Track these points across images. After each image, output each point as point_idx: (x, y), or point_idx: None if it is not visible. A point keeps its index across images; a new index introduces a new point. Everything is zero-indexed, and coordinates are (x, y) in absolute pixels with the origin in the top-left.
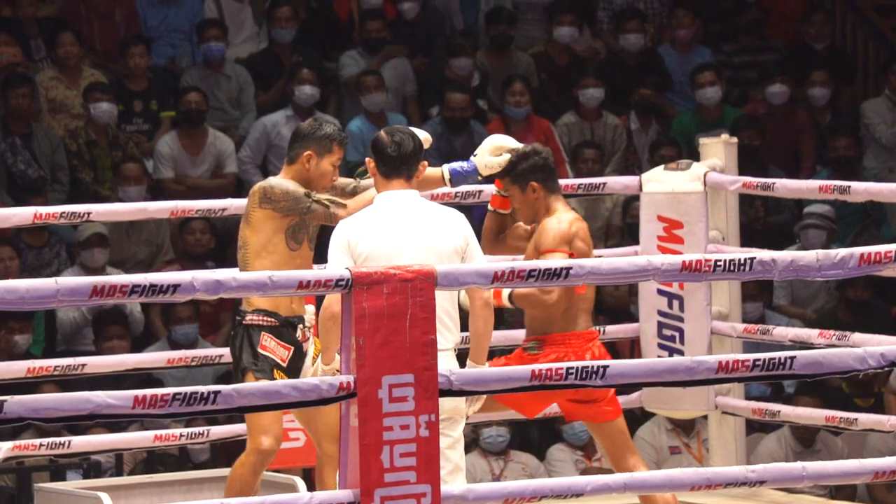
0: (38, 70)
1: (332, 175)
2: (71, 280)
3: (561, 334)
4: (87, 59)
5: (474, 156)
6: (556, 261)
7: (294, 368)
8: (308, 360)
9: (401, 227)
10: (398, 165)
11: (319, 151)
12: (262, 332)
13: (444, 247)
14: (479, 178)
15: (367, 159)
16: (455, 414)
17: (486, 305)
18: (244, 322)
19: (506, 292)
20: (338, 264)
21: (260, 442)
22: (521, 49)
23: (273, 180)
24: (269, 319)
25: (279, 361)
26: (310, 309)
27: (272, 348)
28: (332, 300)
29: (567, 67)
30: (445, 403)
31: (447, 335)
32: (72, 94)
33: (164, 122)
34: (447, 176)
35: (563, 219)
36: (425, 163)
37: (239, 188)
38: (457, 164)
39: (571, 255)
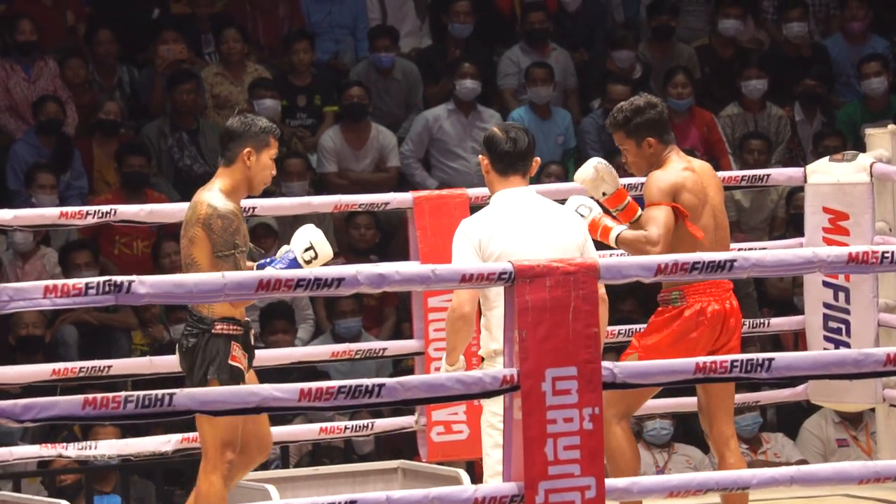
0: (203, 66)
1: (271, 169)
2: (237, 274)
3: (703, 283)
4: (251, 55)
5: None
6: (721, 253)
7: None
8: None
9: (528, 226)
10: (514, 162)
11: (257, 147)
12: (232, 342)
13: (567, 244)
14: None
15: (480, 157)
16: None
17: (602, 301)
18: (213, 331)
19: (614, 233)
20: (468, 262)
21: (225, 455)
22: (683, 41)
23: (224, 209)
24: (236, 328)
25: (243, 370)
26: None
27: (239, 358)
28: (464, 300)
29: (730, 59)
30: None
31: None
32: (236, 89)
33: (327, 117)
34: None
35: (670, 169)
36: (538, 159)
37: (402, 182)
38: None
39: (675, 208)
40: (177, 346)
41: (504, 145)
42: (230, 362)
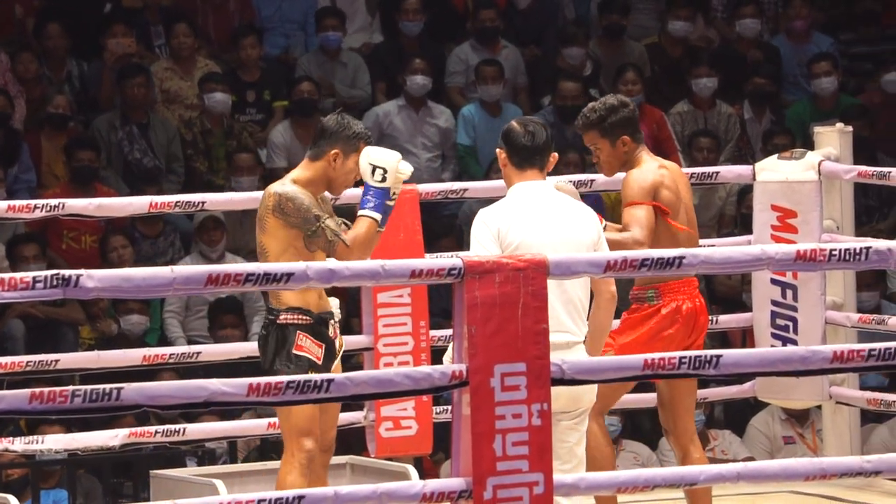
0: (153, 60)
1: (356, 174)
2: (186, 269)
3: (677, 281)
4: (201, 50)
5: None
6: (670, 250)
7: (326, 367)
8: (338, 359)
9: (544, 219)
10: (532, 155)
11: (346, 150)
12: (298, 332)
13: (582, 239)
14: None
15: (498, 150)
16: (586, 405)
17: (612, 299)
18: (277, 321)
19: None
20: (486, 251)
21: (302, 444)
22: (633, 38)
23: (290, 190)
24: (304, 318)
25: (315, 360)
26: (335, 303)
27: (308, 347)
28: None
29: (680, 57)
30: (585, 395)
31: (581, 326)
32: (186, 84)
33: (277, 112)
34: (377, 216)
35: (646, 169)
36: (555, 155)
37: None
38: (370, 198)
39: (656, 207)
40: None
41: (522, 139)
42: (295, 352)
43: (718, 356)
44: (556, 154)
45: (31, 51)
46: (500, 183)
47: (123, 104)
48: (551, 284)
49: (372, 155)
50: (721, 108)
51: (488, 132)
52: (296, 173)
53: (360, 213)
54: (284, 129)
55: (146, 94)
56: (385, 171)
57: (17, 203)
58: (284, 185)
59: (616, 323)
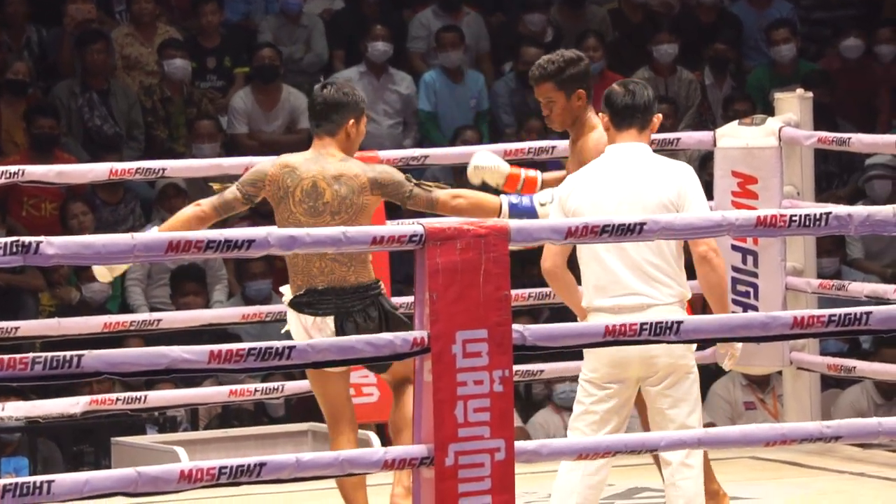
0: (113, 27)
1: (363, 134)
2: (146, 236)
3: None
4: (161, 17)
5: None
6: (631, 216)
7: None
8: None
9: (610, 181)
10: (631, 115)
11: (358, 117)
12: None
13: (648, 200)
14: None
15: (600, 114)
16: (664, 369)
17: (701, 260)
18: (382, 293)
19: (538, 181)
20: (554, 219)
21: (339, 427)
22: (595, 4)
23: (376, 168)
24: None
25: None
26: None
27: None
28: (544, 257)
29: (641, 23)
30: (659, 359)
31: (660, 288)
32: (146, 51)
33: (237, 79)
34: (505, 209)
35: (602, 135)
36: (659, 116)
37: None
38: (515, 198)
39: None
40: (344, 331)
41: (622, 98)
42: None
43: (679, 322)
44: (660, 115)
45: None
46: (462, 150)
47: (83, 71)
48: (611, 248)
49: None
50: (682, 75)
51: (450, 98)
52: (338, 154)
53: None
54: (245, 96)
55: (106, 60)
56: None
57: None
58: (363, 166)
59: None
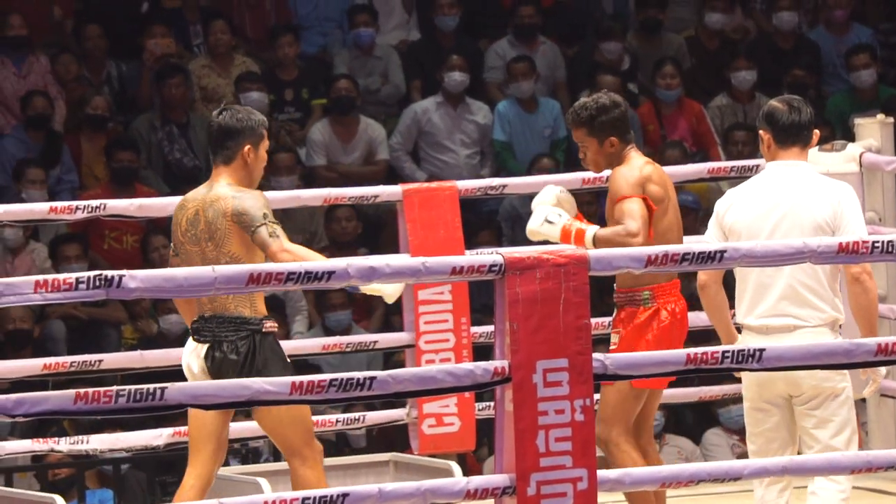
0: (191, 59)
1: (264, 161)
2: (228, 268)
3: (668, 283)
4: (238, 48)
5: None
6: (711, 244)
7: None
8: None
9: (768, 200)
10: (796, 133)
11: (255, 142)
12: (277, 341)
13: (804, 220)
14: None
15: (760, 132)
16: (808, 390)
17: (853, 280)
18: (263, 330)
19: (589, 234)
20: (712, 236)
21: (315, 444)
22: (671, 31)
23: (243, 204)
24: (275, 324)
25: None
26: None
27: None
28: (700, 272)
29: (718, 50)
30: (804, 381)
31: (811, 311)
32: (223, 82)
33: (315, 111)
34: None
35: (633, 165)
36: (817, 132)
37: (391, 175)
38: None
39: (645, 199)
40: (211, 359)
41: (787, 116)
42: (287, 359)
43: (761, 350)
44: (818, 131)
45: (70, 52)
46: (539, 179)
47: (162, 104)
48: (764, 270)
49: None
50: (760, 101)
51: (523, 127)
52: (226, 181)
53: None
54: (323, 127)
55: (185, 93)
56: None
57: (59, 204)
58: (237, 190)
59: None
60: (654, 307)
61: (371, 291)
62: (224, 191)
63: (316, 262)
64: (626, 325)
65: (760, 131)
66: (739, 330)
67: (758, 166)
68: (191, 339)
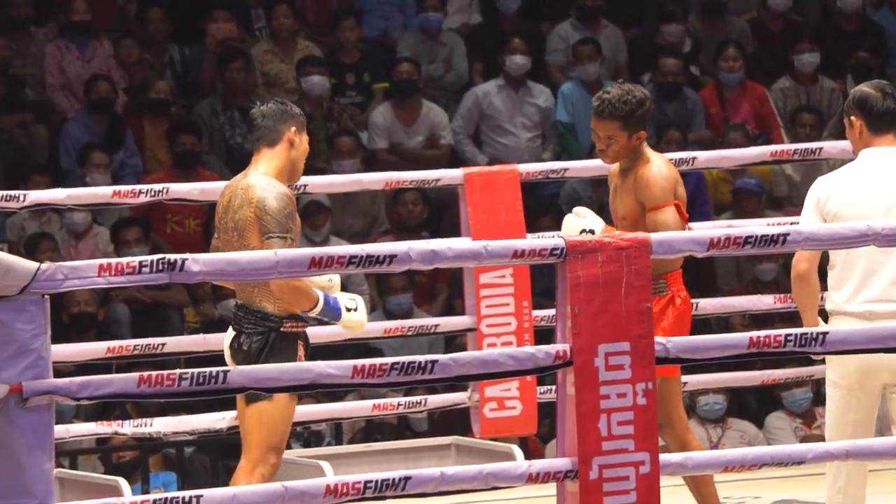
0: (253, 44)
1: (307, 151)
2: (290, 252)
3: (678, 271)
4: (301, 33)
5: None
6: (774, 228)
7: None
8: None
9: (873, 186)
10: (891, 120)
11: (299, 127)
12: (299, 342)
13: None
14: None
15: (852, 118)
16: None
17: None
18: (282, 330)
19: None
20: (808, 222)
21: (268, 458)
22: (733, 14)
23: (269, 202)
24: (302, 324)
25: None
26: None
27: (303, 358)
28: (799, 258)
29: (780, 32)
30: None
31: None
32: (285, 67)
33: (377, 94)
34: (321, 303)
35: (661, 167)
36: None
37: (453, 159)
38: (330, 297)
39: (677, 206)
40: (229, 345)
41: (882, 103)
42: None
43: (825, 333)
44: None
45: (133, 36)
46: (600, 162)
47: (224, 88)
48: (873, 252)
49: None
50: (823, 84)
51: (587, 110)
52: (264, 167)
53: None
54: (385, 111)
55: (246, 77)
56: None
57: (123, 188)
58: (262, 191)
59: None
60: (669, 295)
61: (346, 325)
62: (255, 180)
63: (301, 286)
64: None
65: (852, 117)
66: (825, 318)
67: (821, 149)
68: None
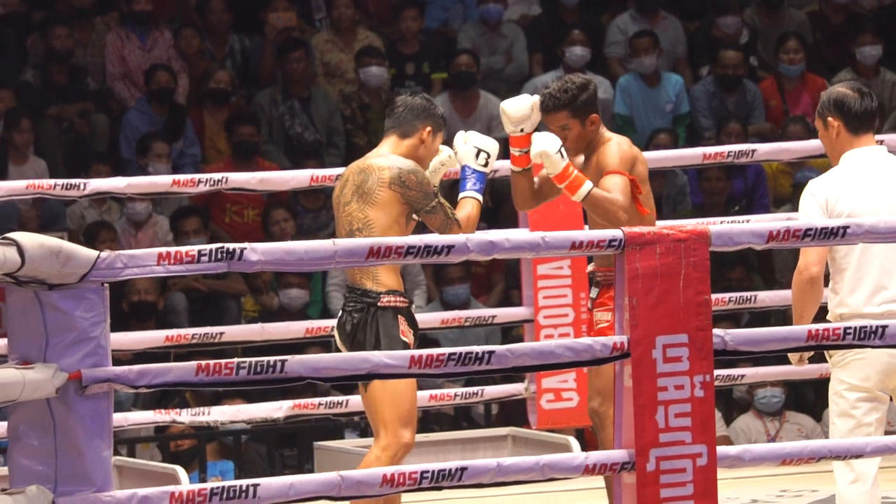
0: (313, 34)
1: (436, 153)
2: (349, 242)
3: None
4: (361, 23)
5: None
6: (834, 220)
7: None
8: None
9: (878, 185)
10: (871, 119)
11: (435, 129)
12: (399, 316)
13: None
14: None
15: (829, 119)
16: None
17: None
18: (379, 304)
19: (585, 188)
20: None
21: (401, 435)
22: (793, 6)
23: (408, 165)
24: (402, 300)
25: (411, 346)
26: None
27: (406, 332)
28: (811, 261)
29: (842, 24)
30: None
31: None
32: (346, 57)
33: (435, 85)
34: (479, 197)
35: (622, 142)
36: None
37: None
38: (474, 177)
39: (633, 180)
40: (337, 328)
41: (859, 103)
42: (401, 337)
43: (884, 326)
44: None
45: (193, 26)
46: (658, 154)
47: (284, 78)
48: (888, 256)
49: (476, 139)
50: (885, 76)
51: (645, 102)
52: (389, 149)
53: (464, 194)
54: (443, 102)
55: (306, 67)
56: (488, 156)
57: (182, 177)
58: (399, 160)
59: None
60: None
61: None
62: (382, 161)
63: (472, 213)
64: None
65: (829, 119)
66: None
67: (882, 142)
68: None
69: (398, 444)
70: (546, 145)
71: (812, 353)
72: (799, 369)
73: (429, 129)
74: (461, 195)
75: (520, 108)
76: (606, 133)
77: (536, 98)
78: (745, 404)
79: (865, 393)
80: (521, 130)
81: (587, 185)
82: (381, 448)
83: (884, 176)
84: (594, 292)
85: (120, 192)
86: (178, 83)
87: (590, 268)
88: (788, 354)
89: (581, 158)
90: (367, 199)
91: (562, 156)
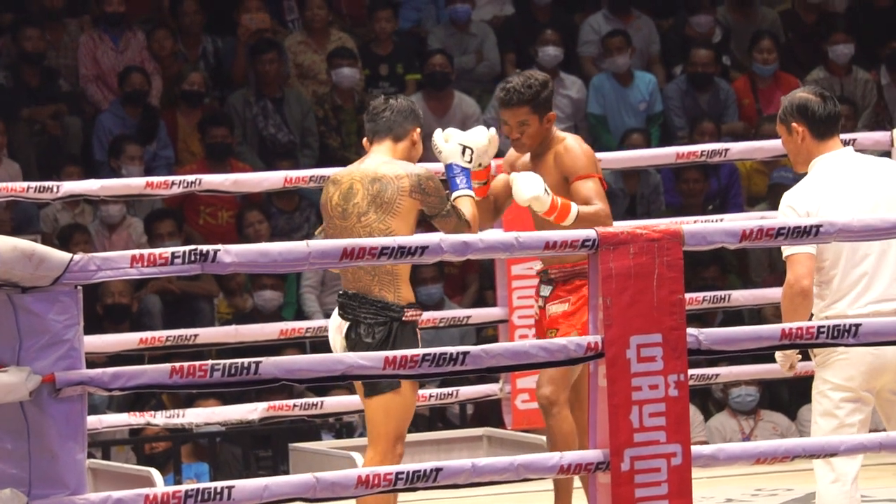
0: (286, 35)
1: (421, 151)
2: (322, 243)
3: None
4: (334, 24)
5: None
6: (807, 219)
7: None
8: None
9: (856, 188)
10: (836, 123)
11: (421, 129)
12: (417, 331)
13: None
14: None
15: (793, 125)
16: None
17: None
18: (404, 319)
19: (574, 211)
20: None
21: (396, 449)
22: (766, 5)
23: (424, 171)
24: (419, 311)
25: None
26: None
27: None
28: (801, 274)
29: (815, 23)
30: None
31: None
32: (318, 58)
33: (409, 86)
34: (471, 193)
35: (580, 142)
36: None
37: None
38: (461, 175)
39: (601, 179)
40: (349, 338)
41: (822, 108)
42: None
43: (857, 325)
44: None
45: (166, 28)
46: (629, 154)
47: (257, 80)
48: (873, 253)
49: (459, 136)
50: (857, 75)
51: (618, 101)
52: (391, 155)
53: (459, 193)
54: (417, 102)
55: (279, 69)
56: (472, 151)
57: (156, 179)
58: (413, 167)
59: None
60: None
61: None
62: (395, 167)
63: (474, 210)
64: (576, 294)
65: (793, 124)
66: None
67: (855, 140)
68: (336, 312)
69: (394, 456)
70: (534, 189)
71: (800, 360)
72: (773, 368)
73: (417, 129)
74: (455, 194)
75: (479, 142)
76: (559, 132)
77: (493, 131)
78: (720, 403)
79: (849, 393)
80: (480, 165)
81: (573, 208)
82: (381, 458)
83: (860, 179)
84: (546, 290)
85: (93, 194)
86: (151, 85)
87: (538, 267)
88: (779, 363)
89: (528, 157)
90: (387, 210)
91: (547, 192)
